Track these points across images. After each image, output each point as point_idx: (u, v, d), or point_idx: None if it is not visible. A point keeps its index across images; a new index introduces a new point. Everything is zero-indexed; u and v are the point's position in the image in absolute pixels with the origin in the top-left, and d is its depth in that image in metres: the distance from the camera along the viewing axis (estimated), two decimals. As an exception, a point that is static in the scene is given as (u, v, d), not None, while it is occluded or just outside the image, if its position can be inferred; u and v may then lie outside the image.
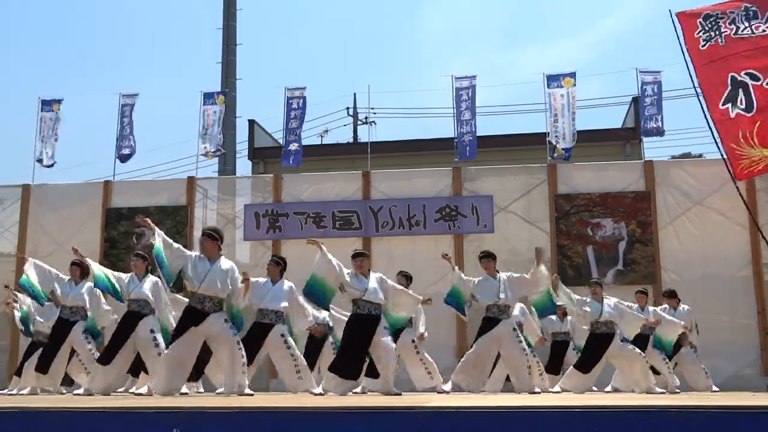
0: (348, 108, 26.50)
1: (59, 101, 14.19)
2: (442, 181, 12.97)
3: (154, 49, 57.20)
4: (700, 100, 10.23)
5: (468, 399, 5.60)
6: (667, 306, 10.45)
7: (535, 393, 8.27)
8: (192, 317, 7.23)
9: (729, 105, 10.15)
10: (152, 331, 8.32)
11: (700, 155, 20.44)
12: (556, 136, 12.76)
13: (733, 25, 10.30)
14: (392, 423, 3.65)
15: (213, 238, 7.47)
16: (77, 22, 55.48)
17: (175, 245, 7.39)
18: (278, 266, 8.56)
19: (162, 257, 7.20)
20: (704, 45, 10.39)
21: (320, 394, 7.59)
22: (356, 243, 12.53)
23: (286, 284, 8.47)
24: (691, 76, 10.34)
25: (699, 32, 10.37)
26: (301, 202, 13.10)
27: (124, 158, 13.89)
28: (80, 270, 9.09)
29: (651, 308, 10.16)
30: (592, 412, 3.59)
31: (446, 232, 12.66)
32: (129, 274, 8.67)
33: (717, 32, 10.33)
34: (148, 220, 7.52)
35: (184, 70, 53.98)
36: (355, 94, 28.22)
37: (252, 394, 7.20)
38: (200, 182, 13.64)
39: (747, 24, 10.25)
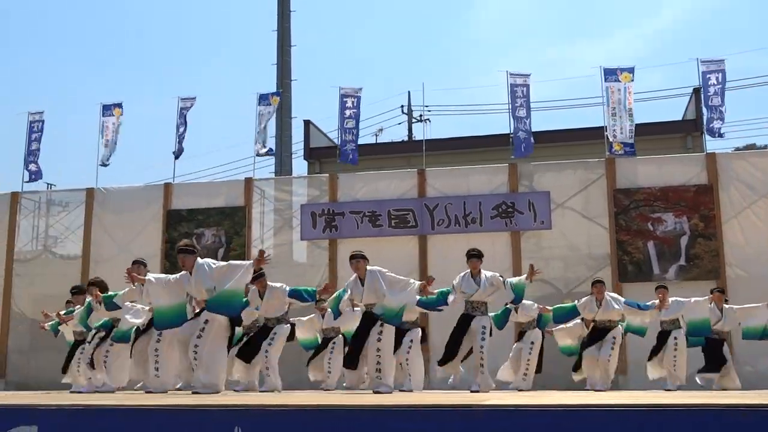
0: (402, 106, 26.59)
1: (119, 105, 14.50)
2: (498, 178, 12.86)
3: (210, 53, 58.21)
4: None
5: (526, 397, 5.54)
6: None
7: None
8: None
9: None
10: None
11: (766, 146, 19.88)
12: (614, 131, 12.53)
13: None
14: (448, 421, 3.63)
15: (191, 252, 7.41)
16: (137, 29, 56.84)
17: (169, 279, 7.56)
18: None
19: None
20: None
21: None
22: (412, 241, 12.54)
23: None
24: None
25: None
26: (357, 201, 13.15)
27: (178, 155, 14.16)
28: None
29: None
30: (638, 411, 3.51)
31: (503, 229, 12.55)
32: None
33: None
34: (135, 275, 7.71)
35: (239, 73, 54.82)
36: (409, 92, 28.31)
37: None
38: (257, 183, 13.80)
39: None
